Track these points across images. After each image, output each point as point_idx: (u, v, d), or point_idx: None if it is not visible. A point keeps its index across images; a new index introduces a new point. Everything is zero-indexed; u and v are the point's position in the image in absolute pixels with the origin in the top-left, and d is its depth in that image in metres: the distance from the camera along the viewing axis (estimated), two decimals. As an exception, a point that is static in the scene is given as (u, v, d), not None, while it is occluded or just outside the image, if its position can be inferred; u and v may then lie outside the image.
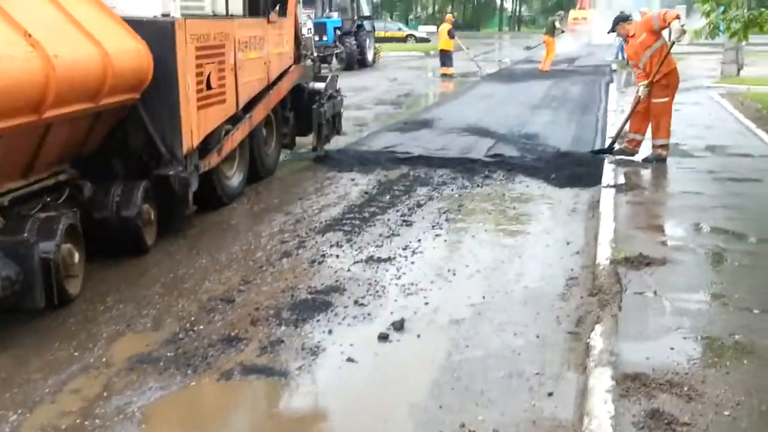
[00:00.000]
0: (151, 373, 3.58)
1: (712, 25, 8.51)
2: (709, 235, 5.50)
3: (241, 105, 6.86)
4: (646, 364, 3.41)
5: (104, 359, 3.72)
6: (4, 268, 3.85)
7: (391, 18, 58.72)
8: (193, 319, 4.21)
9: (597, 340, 3.73)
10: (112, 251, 5.20)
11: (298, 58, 8.59)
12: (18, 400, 3.33)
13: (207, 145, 6.19)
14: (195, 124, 5.79)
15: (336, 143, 9.52)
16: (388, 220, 6.29)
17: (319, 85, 8.92)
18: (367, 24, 24.96)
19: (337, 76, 10.00)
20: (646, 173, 7.63)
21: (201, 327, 4.10)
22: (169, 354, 3.77)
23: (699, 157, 8.34)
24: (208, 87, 6.05)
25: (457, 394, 3.39)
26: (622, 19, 8.48)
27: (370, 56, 24.91)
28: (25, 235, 4.17)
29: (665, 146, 8.03)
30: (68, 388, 3.44)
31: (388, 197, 7.04)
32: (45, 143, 4.63)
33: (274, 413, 3.36)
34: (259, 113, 7.35)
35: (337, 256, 5.34)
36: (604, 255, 5.03)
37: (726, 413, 2.97)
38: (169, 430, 3.17)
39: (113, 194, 5.14)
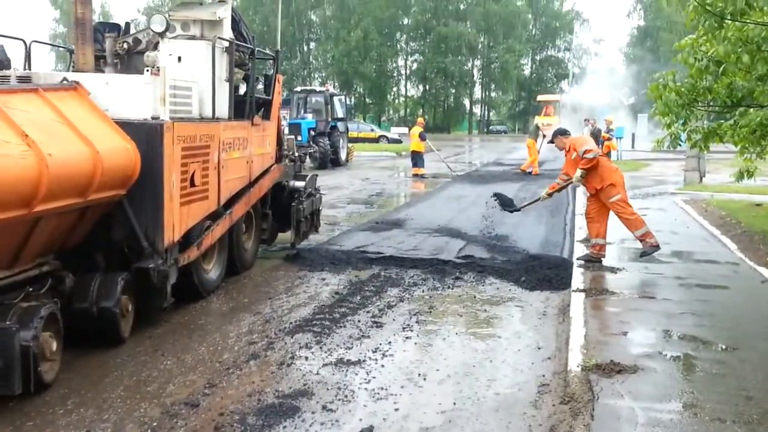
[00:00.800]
0: (108, 484, 3.40)
1: (673, 136, 8.94)
2: (679, 343, 5.54)
3: (223, 201, 7.10)
4: (621, 477, 3.35)
5: (59, 469, 3.54)
6: None
7: (364, 120, 60.56)
8: (155, 425, 4.06)
9: (570, 451, 3.67)
10: (76, 351, 5.05)
11: (279, 158, 8.96)
12: None
13: (188, 239, 6.35)
14: (177, 219, 6.02)
15: (307, 242, 9.56)
16: (359, 321, 6.24)
17: (299, 184, 9.25)
18: (340, 125, 25.67)
19: (317, 175, 10.30)
20: (615, 278, 7.74)
21: (163, 434, 3.95)
22: (127, 463, 3.60)
23: (666, 262, 8.51)
24: (192, 184, 6.30)
25: None
26: (560, 133, 8.92)
27: (343, 156, 25.48)
28: (7, 323, 4.35)
29: (647, 233, 8.27)
30: (17, 501, 3.25)
31: (358, 298, 7.02)
32: (32, 235, 4.84)
33: None
34: (240, 209, 7.59)
35: (306, 358, 5.24)
36: (575, 361, 5.02)
37: None
38: None
39: (93, 286, 5.32)
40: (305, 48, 69.05)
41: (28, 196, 4.44)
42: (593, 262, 8.32)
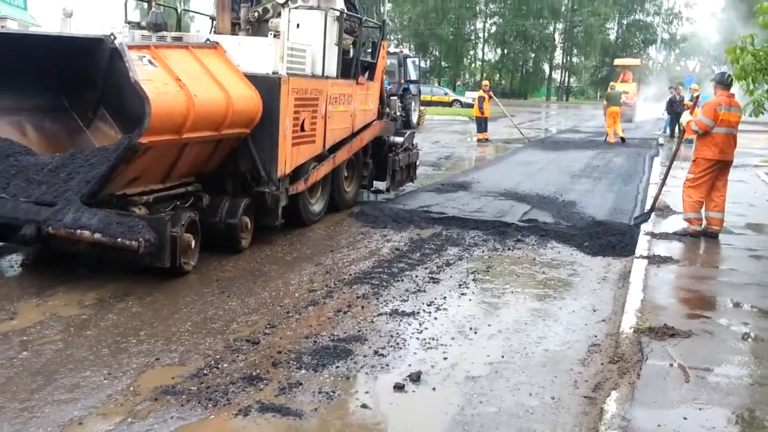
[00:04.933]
0: (174, 404, 3.72)
1: (756, 104, 8.53)
2: (739, 312, 5.44)
3: (327, 146, 8.35)
4: (657, 431, 3.41)
5: (132, 388, 3.89)
6: (148, 233, 5.40)
7: (439, 84, 59.99)
8: (218, 357, 4.36)
9: (611, 405, 3.73)
10: (149, 288, 5.44)
11: (381, 115, 10.07)
12: (49, 419, 3.50)
13: (297, 174, 7.67)
14: (289, 156, 7.33)
15: (373, 199, 9.77)
16: (416, 276, 6.40)
17: (398, 139, 10.56)
18: (413, 87, 25.58)
19: (414, 132, 11.38)
20: (681, 247, 7.58)
21: (225, 365, 4.24)
22: (192, 388, 3.91)
23: (738, 234, 8.25)
24: (302, 129, 7.56)
25: (466, 447, 3.43)
26: (721, 84, 8.00)
27: (414, 118, 25.43)
28: (163, 215, 5.83)
29: (688, 220, 8.02)
30: (96, 411, 3.60)
31: (418, 254, 7.17)
32: (180, 158, 6.30)
33: (286, 453, 3.44)
34: (342, 155, 8.86)
35: (362, 308, 5.45)
36: (628, 323, 5.02)
37: (734, 486, 2.95)
38: (184, 460, 3.28)
39: (222, 206, 6.75)
40: (381, 9, 68.71)
41: (179, 125, 5.82)
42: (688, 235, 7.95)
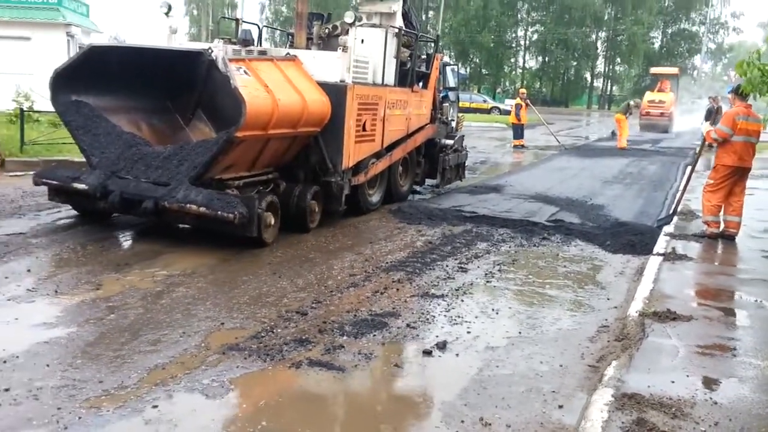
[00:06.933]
0: (238, 357, 4.44)
1: None
2: (741, 302, 5.95)
3: (385, 145, 9.63)
4: (646, 389, 4.00)
5: (203, 345, 4.63)
6: (242, 207, 6.70)
7: (479, 91, 60.36)
8: (273, 323, 5.08)
9: (610, 370, 4.33)
10: (212, 268, 6.20)
11: (433, 120, 11.37)
12: (138, 365, 4.26)
13: (358, 168, 8.98)
14: (352, 151, 8.65)
15: (409, 200, 10.43)
16: (447, 266, 7.04)
17: (449, 141, 12.01)
18: (451, 94, 26.09)
19: (464, 135, 13.02)
20: (698, 247, 8.07)
21: (279, 330, 4.96)
22: (252, 346, 4.63)
23: (756, 237, 8.68)
24: (364, 129, 8.86)
25: (481, 398, 4.07)
26: (737, 95, 8.29)
27: (452, 125, 26.02)
28: (252, 194, 7.27)
29: (706, 222, 8.52)
30: (175, 360, 4.35)
31: (449, 248, 7.81)
32: (264, 150, 7.65)
33: (330, 396, 4.13)
34: (397, 153, 10.14)
35: (397, 290, 6.13)
36: (635, 309, 5.60)
37: (703, 429, 3.53)
38: (249, 396, 4.00)
39: (294, 192, 8.01)
40: (423, 17, 69.35)
41: (266, 123, 7.17)
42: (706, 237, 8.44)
